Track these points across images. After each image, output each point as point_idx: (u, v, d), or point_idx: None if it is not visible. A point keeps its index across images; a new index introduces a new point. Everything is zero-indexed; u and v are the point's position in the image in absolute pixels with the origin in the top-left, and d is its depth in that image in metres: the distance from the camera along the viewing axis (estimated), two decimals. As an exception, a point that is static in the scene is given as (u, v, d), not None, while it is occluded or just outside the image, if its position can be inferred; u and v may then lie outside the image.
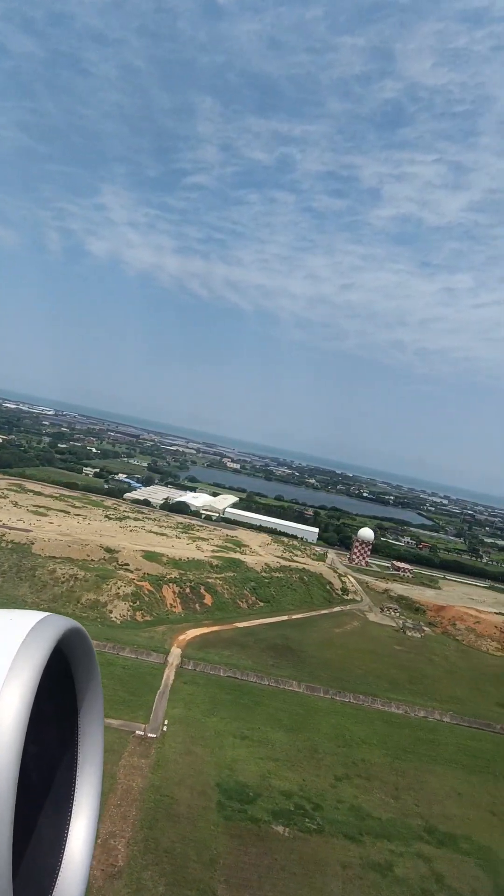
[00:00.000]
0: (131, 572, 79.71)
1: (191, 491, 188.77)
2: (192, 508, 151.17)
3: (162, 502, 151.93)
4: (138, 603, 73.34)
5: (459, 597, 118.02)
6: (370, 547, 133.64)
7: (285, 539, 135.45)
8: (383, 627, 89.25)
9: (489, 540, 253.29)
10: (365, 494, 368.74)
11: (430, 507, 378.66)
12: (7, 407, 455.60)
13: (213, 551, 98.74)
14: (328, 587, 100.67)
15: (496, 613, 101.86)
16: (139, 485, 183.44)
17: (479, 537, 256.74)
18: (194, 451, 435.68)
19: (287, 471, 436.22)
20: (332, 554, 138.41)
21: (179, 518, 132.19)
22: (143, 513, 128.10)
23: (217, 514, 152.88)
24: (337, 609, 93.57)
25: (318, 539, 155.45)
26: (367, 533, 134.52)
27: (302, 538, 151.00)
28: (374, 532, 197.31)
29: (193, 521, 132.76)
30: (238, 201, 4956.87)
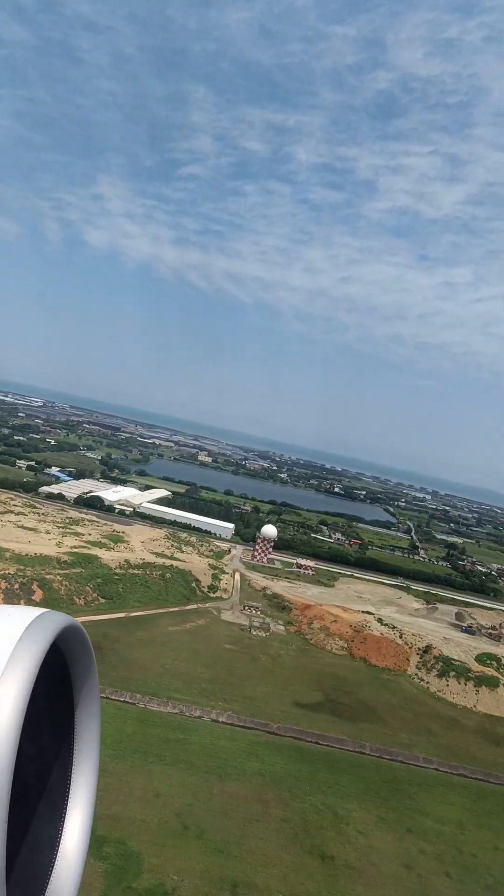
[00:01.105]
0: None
1: (124, 485, 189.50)
2: (107, 503, 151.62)
3: (76, 497, 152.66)
4: (-45, 598, 74.04)
5: (346, 595, 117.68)
6: (272, 543, 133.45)
7: (184, 535, 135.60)
8: (230, 626, 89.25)
9: (441, 537, 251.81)
10: (336, 490, 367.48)
11: (401, 503, 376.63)
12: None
13: (72, 547, 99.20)
14: (194, 584, 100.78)
15: (363, 612, 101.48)
16: (69, 478, 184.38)
17: (432, 534, 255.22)
18: (173, 445, 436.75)
19: (265, 465, 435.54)
20: (237, 550, 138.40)
21: (74, 513, 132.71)
22: (35, 507, 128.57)
23: (132, 509, 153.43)
24: (191, 607, 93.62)
25: (234, 535, 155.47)
26: (269, 530, 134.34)
27: (216, 534, 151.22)
28: (322, 528, 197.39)
29: (91, 516, 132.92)
30: (234, 192, 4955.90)
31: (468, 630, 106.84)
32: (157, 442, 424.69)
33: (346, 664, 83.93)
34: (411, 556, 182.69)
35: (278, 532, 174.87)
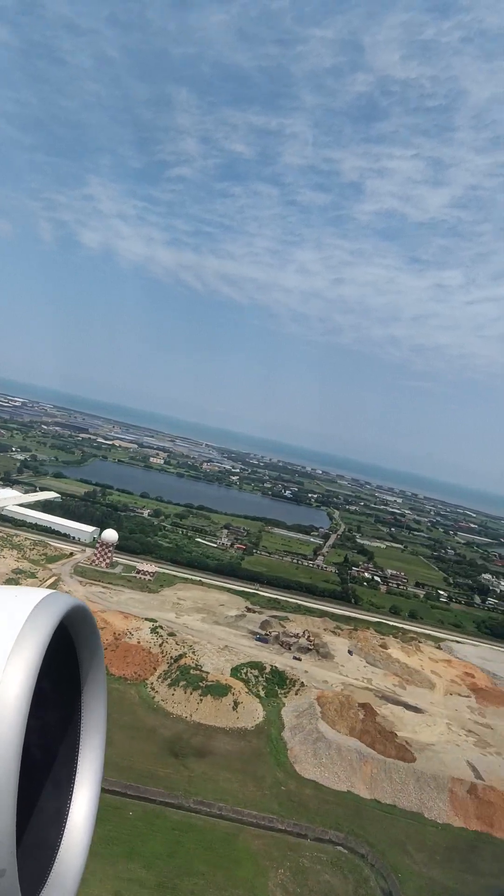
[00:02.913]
0: None
1: (13, 486, 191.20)
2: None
3: None
4: None
5: (163, 601, 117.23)
6: (111, 548, 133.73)
7: (23, 537, 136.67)
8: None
9: (363, 542, 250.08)
10: (286, 494, 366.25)
11: (354, 508, 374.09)
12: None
13: None
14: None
15: (147, 619, 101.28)
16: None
17: (354, 539, 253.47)
18: (135, 446, 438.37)
19: (225, 468, 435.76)
20: (83, 555, 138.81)
21: None
22: None
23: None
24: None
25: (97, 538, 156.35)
26: (108, 534, 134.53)
27: (75, 538, 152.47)
28: (221, 532, 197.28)
29: None
30: (222, 194, 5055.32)
31: (262, 639, 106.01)
32: (119, 444, 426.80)
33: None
34: (298, 563, 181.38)
35: (157, 536, 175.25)
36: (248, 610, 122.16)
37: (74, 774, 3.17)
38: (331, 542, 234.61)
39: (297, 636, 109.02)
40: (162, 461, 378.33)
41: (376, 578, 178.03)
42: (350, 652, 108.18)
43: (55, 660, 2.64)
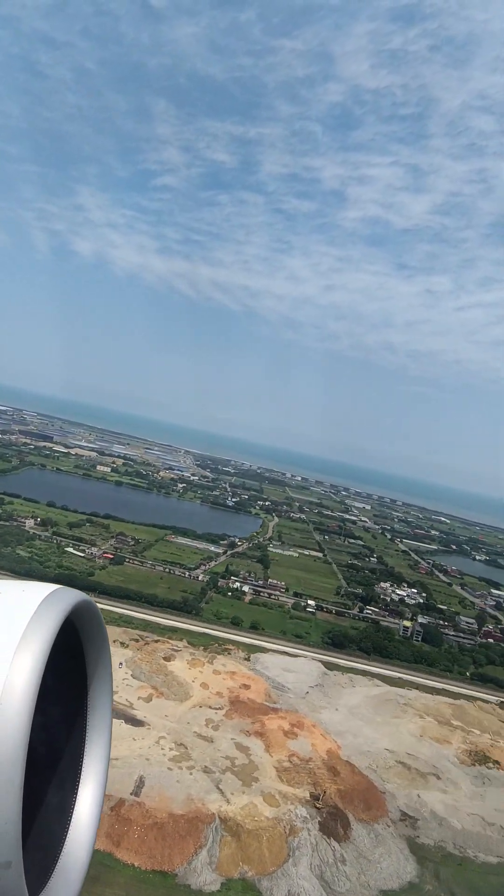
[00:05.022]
0: None
1: None
2: None
3: None
4: None
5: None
6: None
7: None
8: None
9: (276, 550, 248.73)
10: (229, 503, 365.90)
11: (300, 515, 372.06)
12: None
13: None
14: None
15: None
16: None
17: (265, 548, 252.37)
18: (92, 454, 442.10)
19: (181, 475, 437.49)
20: None
21: None
22: None
23: None
24: None
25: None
26: None
27: None
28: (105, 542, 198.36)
29: None
30: (209, 202, 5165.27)
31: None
32: (77, 452, 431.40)
33: None
34: (171, 573, 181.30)
35: (21, 546, 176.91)
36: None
37: (80, 770, 3.20)
38: (235, 551, 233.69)
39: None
40: (109, 469, 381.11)
41: (244, 589, 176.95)
42: (121, 664, 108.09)
43: (61, 655, 2.62)
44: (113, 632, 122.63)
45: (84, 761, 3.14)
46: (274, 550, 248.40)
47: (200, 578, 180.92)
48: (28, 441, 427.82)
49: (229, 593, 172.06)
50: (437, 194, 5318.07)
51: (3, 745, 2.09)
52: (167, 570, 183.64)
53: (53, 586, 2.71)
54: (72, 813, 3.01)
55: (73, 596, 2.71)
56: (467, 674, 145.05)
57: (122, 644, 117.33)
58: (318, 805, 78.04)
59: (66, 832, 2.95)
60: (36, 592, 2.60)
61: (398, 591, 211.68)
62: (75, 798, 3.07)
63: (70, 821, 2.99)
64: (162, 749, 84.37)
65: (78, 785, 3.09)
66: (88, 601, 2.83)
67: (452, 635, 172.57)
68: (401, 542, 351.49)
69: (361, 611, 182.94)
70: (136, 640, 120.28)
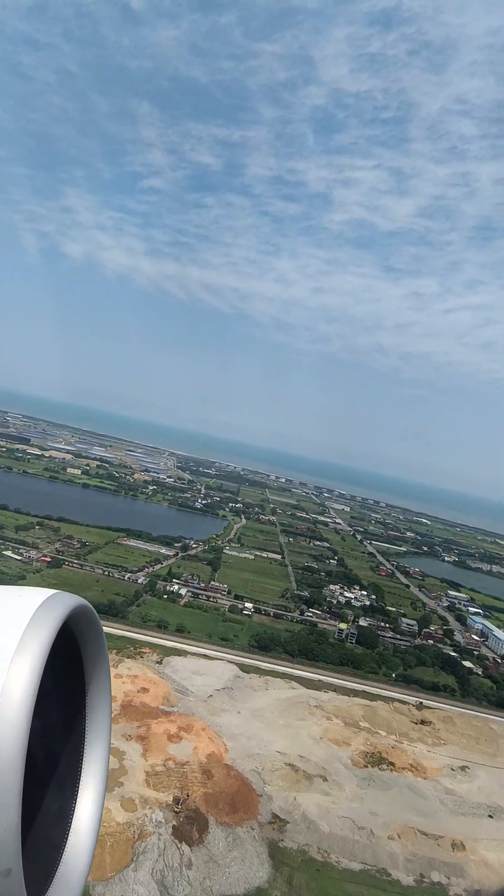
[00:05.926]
0: None
1: None
2: None
3: None
4: None
5: None
6: None
7: None
8: None
9: (232, 553, 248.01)
10: (197, 505, 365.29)
11: (264, 518, 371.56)
12: None
13: None
14: None
15: None
16: None
17: (221, 550, 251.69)
18: (68, 457, 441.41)
19: (156, 477, 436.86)
20: None
21: None
22: None
23: None
24: None
25: None
26: None
27: None
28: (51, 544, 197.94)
29: None
30: (196, 205, 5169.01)
31: None
32: (52, 454, 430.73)
33: None
34: (110, 576, 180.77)
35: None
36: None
37: (79, 775, 3.18)
38: (186, 553, 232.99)
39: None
40: (80, 472, 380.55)
41: (181, 591, 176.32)
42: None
43: (59, 660, 2.58)
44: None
45: (83, 766, 3.11)
46: (229, 553, 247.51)
47: (140, 581, 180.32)
48: (2, 443, 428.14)
49: (165, 596, 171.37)
50: (421, 197, 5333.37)
51: (2, 751, 2.06)
52: (106, 572, 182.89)
53: (51, 591, 2.68)
54: (71, 819, 2.99)
55: (70, 600, 2.65)
56: (392, 675, 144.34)
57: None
58: (176, 809, 77.42)
59: (66, 838, 2.92)
60: (33, 597, 2.55)
61: (346, 594, 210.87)
62: (75, 804, 3.04)
63: (70, 827, 2.97)
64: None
65: (77, 790, 3.07)
66: (86, 606, 2.78)
67: (390, 637, 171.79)
68: (370, 543, 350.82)
69: (303, 613, 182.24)
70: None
